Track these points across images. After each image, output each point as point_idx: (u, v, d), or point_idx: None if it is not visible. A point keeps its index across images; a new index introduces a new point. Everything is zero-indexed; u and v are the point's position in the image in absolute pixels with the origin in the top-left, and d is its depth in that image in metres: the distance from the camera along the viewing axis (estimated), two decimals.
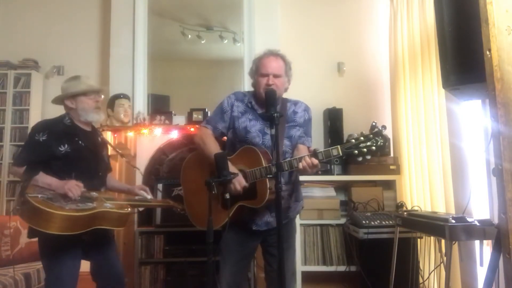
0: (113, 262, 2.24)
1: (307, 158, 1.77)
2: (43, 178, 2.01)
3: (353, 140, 1.73)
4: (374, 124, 1.75)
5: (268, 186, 1.86)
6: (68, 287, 2.01)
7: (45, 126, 2.11)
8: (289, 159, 1.86)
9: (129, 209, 2.13)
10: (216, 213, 1.82)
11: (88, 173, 2.13)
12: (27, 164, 2.04)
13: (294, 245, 2.20)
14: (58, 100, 2.23)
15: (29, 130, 3.83)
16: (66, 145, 2.07)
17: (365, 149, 1.72)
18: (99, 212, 1.96)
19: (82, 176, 2.07)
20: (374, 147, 1.71)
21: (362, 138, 1.72)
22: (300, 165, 1.78)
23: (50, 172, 2.03)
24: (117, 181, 2.55)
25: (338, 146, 1.76)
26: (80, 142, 2.13)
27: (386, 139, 1.72)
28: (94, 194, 2.08)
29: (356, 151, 1.72)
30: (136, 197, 2.34)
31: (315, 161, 1.77)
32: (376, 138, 1.71)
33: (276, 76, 2.01)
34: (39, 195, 1.93)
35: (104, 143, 2.37)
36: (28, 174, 2.02)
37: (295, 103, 2.18)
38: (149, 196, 2.34)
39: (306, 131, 2.14)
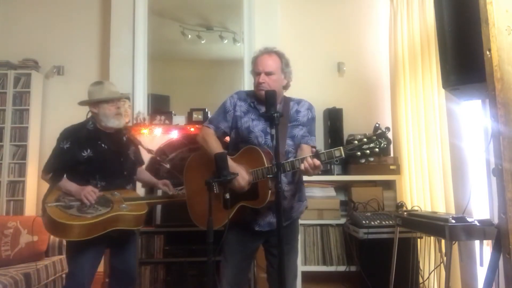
0: (129, 258, 2.36)
1: (309, 159, 1.76)
2: (65, 184, 2.16)
3: (356, 142, 1.72)
4: (377, 125, 1.73)
5: (269, 186, 1.85)
6: (87, 275, 2.15)
7: (69, 133, 2.24)
8: (291, 159, 1.85)
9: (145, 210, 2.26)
10: (218, 213, 1.82)
11: (112, 174, 2.25)
12: (53, 171, 2.18)
13: (297, 247, 2.18)
14: (84, 103, 2.33)
15: (29, 130, 3.88)
16: (88, 150, 2.19)
17: (368, 151, 1.70)
18: (113, 216, 2.09)
19: (105, 177, 2.21)
20: (377, 149, 1.69)
21: (365, 139, 1.71)
22: (302, 166, 1.77)
23: (76, 175, 2.18)
24: (147, 174, 2.64)
25: (341, 147, 1.74)
26: (102, 145, 2.24)
27: (389, 141, 1.71)
28: (116, 194, 2.21)
29: (358, 153, 1.71)
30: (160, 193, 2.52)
31: (317, 162, 1.75)
32: (380, 139, 1.70)
33: (268, 73, 1.99)
34: (55, 204, 2.07)
35: (131, 141, 2.45)
36: (53, 181, 2.18)
37: (298, 102, 2.17)
38: (171, 192, 2.44)
39: (309, 130, 2.12)
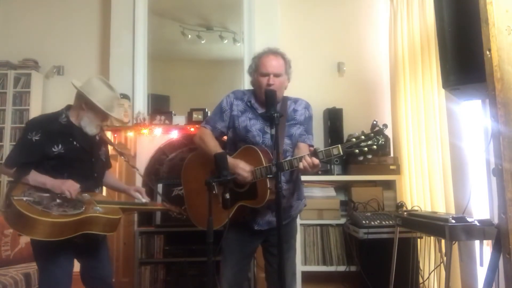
0: (102, 264, 2.19)
1: (308, 158, 1.76)
2: (36, 177, 1.95)
3: (354, 139, 1.72)
4: (375, 122, 1.73)
5: (268, 186, 1.85)
6: (62, 285, 1.98)
7: (39, 124, 2.03)
8: (289, 158, 1.85)
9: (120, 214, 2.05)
10: (217, 213, 1.81)
11: (82, 174, 2.05)
12: (18, 165, 1.98)
13: (295, 245, 2.20)
14: (78, 92, 2.07)
15: None
16: (60, 145, 1.99)
17: (366, 148, 1.70)
18: (87, 217, 1.89)
19: (74, 177, 2.00)
20: (375, 146, 1.69)
21: (363, 137, 1.71)
22: (301, 165, 1.77)
23: (42, 170, 1.98)
24: (114, 179, 2.45)
25: (339, 145, 1.74)
26: (74, 142, 2.05)
27: (387, 138, 1.70)
28: (86, 196, 2.01)
29: (357, 150, 1.71)
30: (136, 200, 2.29)
31: (316, 160, 1.75)
32: (377, 136, 1.69)
33: (276, 75, 2.00)
34: (24, 198, 1.85)
35: (103, 141, 2.27)
36: (19, 174, 1.95)
37: (295, 101, 2.17)
38: (144, 200, 2.25)
39: (306, 129, 2.12)
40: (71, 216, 1.85)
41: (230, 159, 1.89)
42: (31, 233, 1.79)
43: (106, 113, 2.06)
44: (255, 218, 2.02)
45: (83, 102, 2.05)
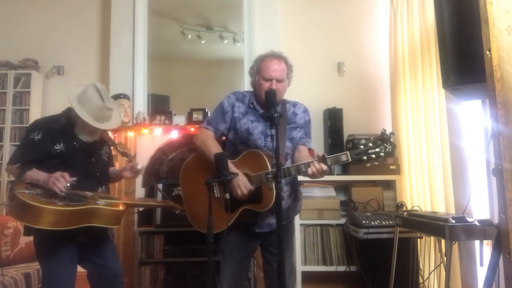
0: (110, 263, 2.17)
1: (316, 164, 1.79)
2: (33, 174, 1.97)
3: (362, 146, 1.76)
4: (384, 130, 1.79)
5: (274, 190, 1.83)
6: (65, 285, 1.98)
7: (41, 124, 2.09)
8: (297, 164, 1.87)
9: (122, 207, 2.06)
10: (218, 217, 1.80)
11: (84, 173, 2.08)
12: (20, 163, 2.02)
13: (292, 244, 2.26)
14: (70, 102, 2.09)
15: None
16: (61, 144, 2.03)
17: (373, 155, 1.75)
18: (90, 208, 1.90)
19: (76, 176, 2.00)
20: (382, 153, 1.75)
21: (371, 144, 1.75)
22: (309, 170, 1.80)
23: (45, 169, 1.99)
24: (114, 169, 2.42)
25: (347, 152, 1.78)
26: (74, 143, 2.08)
27: (394, 146, 1.76)
28: (88, 193, 2.03)
29: (365, 157, 1.76)
30: (137, 198, 2.30)
31: (324, 166, 1.78)
32: (385, 144, 1.75)
33: (279, 81, 2.00)
34: (27, 191, 1.89)
35: (104, 141, 2.29)
36: (20, 171, 2.00)
37: (294, 104, 2.17)
38: (140, 167, 2.23)
39: (306, 132, 2.14)
40: (74, 206, 1.86)
41: (233, 168, 1.87)
42: (37, 222, 1.78)
43: (89, 124, 2.03)
44: (256, 221, 2.02)
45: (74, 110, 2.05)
